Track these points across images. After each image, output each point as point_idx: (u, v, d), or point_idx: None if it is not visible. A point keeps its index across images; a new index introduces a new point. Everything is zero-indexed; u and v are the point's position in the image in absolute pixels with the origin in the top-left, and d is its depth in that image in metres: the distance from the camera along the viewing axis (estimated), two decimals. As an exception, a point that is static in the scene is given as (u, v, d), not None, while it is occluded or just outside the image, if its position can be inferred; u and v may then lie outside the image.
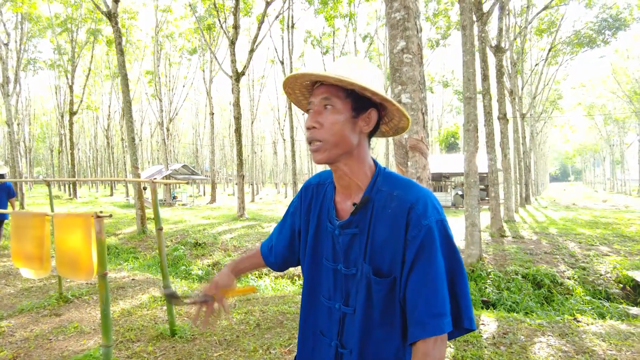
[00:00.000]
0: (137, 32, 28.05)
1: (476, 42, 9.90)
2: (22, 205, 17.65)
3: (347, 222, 1.02)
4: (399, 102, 3.34)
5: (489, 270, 7.41)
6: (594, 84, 41.96)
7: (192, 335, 3.66)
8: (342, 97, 0.95)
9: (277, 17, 18.54)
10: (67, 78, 23.97)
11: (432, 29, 24.01)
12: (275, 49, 23.09)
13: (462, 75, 7.74)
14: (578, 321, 4.11)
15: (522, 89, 22.36)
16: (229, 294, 1.23)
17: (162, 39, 26.96)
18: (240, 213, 14.70)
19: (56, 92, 31.60)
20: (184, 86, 30.00)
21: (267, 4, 15.06)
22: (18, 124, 31.64)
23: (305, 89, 1.06)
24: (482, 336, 3.68)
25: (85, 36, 24.06)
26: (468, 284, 1.00)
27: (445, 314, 0.90)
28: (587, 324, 4.02)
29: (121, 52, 10.48)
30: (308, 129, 0.98)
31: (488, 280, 7.13)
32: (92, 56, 24.62)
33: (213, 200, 25.31)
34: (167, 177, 24.66)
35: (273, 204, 24.89)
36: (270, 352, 3.29)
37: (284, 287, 7.16)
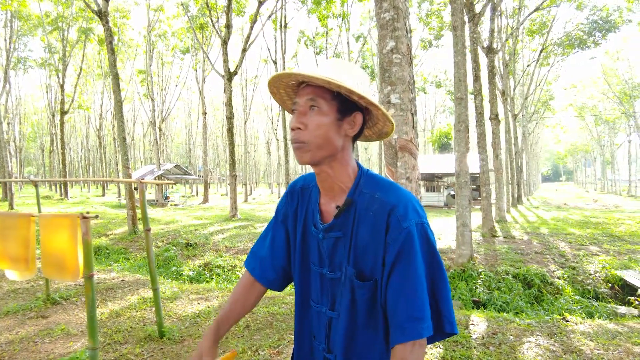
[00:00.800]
0: (130, 31, 27.90)
1: (468, 43, 9.95)
2: (11, 206, 17.46)
3: (330, 226, 1.01)
4: (388, 102, 3.34)
5: (480, 270, 7.45)
6: (584, 85, 42.39)
7: (181, 336, 3.63)
8: (328, 99, 0.94)
9: (269, 16, 18.51)
10: (58, 77, 23.71)
11: (424, 29, 24.10)
12: (268, 49, 23.03)
13: (454, 76, 7.77)
14: (567, 321, 4.13)
15: (514, 90, 22.53)
16: None
17: (154, 38, 26.82)
18: (233, 213, 14.65)
19: (47, 91, 31.32)
20: (176, 86, 29.87)
21: (260, 4, 15.02)
22: (8, 123, 31.32)
23: (291, 89, 1.04)
24: (471, 336, 3.68)
25: (76, 35, 23.84)
26: (449, 287, 0.99)
27: (424, 318, 0.89)
28: (576, 324, 4.05)
29: (112, 51, 10.39)
30: (292, 129, 0.96)
31: (479, 281, 7.17)
32: (83, 55, 24.38)
33: (206, 200, 25.20)
34: (160, 177, 24.51)
35: (266, 204, 24.84)
36: (259, 354, 3.27)
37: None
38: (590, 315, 5.61)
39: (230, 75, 14.51)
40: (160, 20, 26.28)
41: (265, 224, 12.43)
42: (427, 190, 27.78)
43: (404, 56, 3.31)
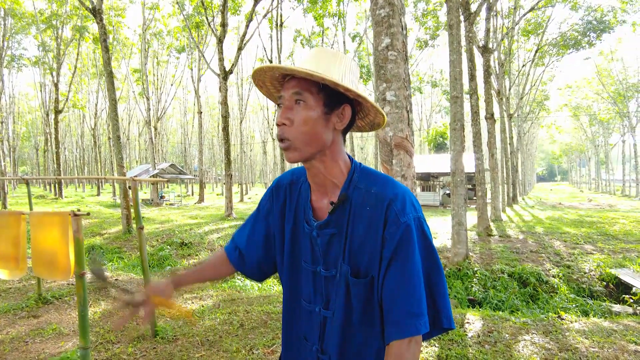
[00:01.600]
0: (125, 30, 27.73)
1: (463, 42, 9.96)
2: (4, 205, 17.30)
3: (325, 222, 0.97)
4: (384, 99, 3.31)
5: (476, 269, 7.45)
6: (579, 85, 42.52)
7: (174, 335, 3.60)
8: (314, 92, 0.89)
9: (265, 15, 18.44)
10: (52, 76, 23.52)
11: (420, 29, 24.11)
12: (264, 48, 22.96)
13: (449, 74, 7.77)
14: (562, 319, 4.13)
15: (509, 90, 22.58)
16: (161, 305, 1.07)
17: (149, 37, 26.68)
18: (228, 213, 14.59)
19: (41, 90, 31.06)
20: (172, 85, 29.74)
21: (256, 2, 14.96)
22: (1, 122, 31.04)
23: (277, 82, 0.99)
24: (466, 335, 3.67)
25: (70, 33, 23.67)
26: (446, 282, 0.96)
27: (422, 314, 0.86)
28: (571, 322, 4.05)
29: (106, 49, 10.31)
30: (278, 125, 0.92)
31: (474, 279, 7.17)
32: (77, 54, 24.21)
33: (201, 200, 25.12)
34: (155, 176, 24.40)
35: (262, 204, 24.74)
36: (253, 353, 3.25)
37: (270, 287, 7.10)
38: (585, 314, 5.63)
39: (225, 74, 14.45)
40: (156, 18, 26.17)
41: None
42: (423, 190, 27.81)
43: (400, 53, 3.29)
